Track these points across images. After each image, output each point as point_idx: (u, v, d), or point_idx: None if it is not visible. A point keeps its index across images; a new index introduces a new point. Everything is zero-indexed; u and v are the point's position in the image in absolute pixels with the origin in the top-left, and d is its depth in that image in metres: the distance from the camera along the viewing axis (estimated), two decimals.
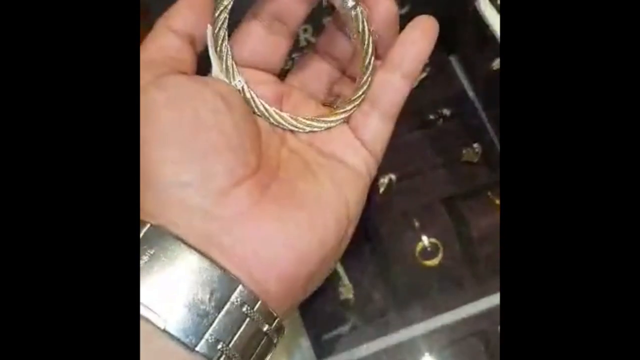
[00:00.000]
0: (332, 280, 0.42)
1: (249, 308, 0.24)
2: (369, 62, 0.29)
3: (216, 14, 0.27)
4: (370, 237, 0.43)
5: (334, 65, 0.31)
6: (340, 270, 0.42)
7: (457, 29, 0.44)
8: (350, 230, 0.29)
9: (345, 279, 0.42)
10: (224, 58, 0.27)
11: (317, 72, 0.32)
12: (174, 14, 0.27)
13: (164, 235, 0.23)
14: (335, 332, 0.41)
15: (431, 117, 0.47)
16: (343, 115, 0.29)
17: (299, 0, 0.28)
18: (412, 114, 0.46)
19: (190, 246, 0.23)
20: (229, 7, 0.27)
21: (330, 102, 0.31)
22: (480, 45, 0.44)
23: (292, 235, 0.25)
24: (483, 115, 0.46)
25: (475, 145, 0.45)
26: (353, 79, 0.30)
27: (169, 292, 0.23)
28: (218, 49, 0.27)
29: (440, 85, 0.47)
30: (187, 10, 0.27)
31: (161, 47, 0.27)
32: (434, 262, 0.42)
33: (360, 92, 0.29)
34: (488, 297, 0.42)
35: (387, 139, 0.30)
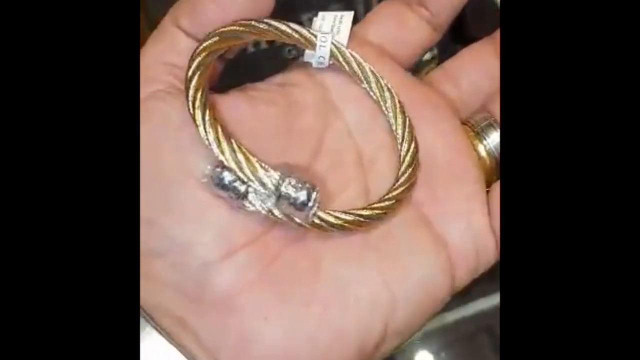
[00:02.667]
0: None
1: None
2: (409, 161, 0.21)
3: (193, 64, 0.20)
4: None
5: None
6: None
7: (467, 17, 0.43)
8: (385, 348, 0.20)
9: None
10: (205, 122, 0.19)
11: (481, 76, 0.24)
12: (185, 9, 0.21)
13: None
14: None
15: None
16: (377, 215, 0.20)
17: None
18: None
19: (156, 326, 0.19)
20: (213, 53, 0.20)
21: (474, 122, 0.23)
22: (488, 34, 0.42)
23: (281, 344, 0.19)
24: None
25: None
26: None
27: None
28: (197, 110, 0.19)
29: None
30: (207, 4, 0.20)
31: (164, 50, 0.20)
32: None
33: (396, 192, 0.21)
34: (497, 294, 0.41)
35: None
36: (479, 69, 0.24)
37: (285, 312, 0.19)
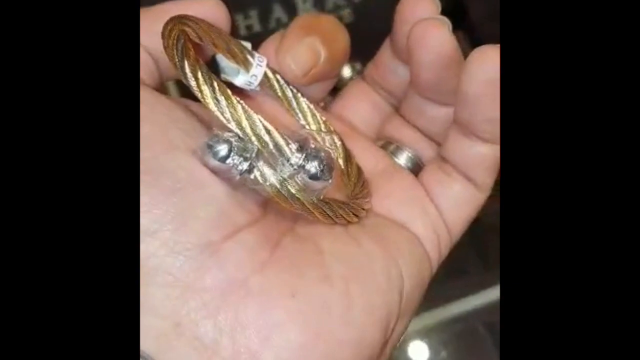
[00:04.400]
0: None
1: None
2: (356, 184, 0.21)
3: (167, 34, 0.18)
4: None
5: (385, 99, 0.24)
6: None
7: (467, 2, 0.42)
8: (399, 329, 0.19)
9: None
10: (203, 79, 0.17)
11: (367, 106, 0.24)
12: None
13: None
14: None
15: None
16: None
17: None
18: None
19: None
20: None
21: (382, 146, 0.24)
22: (490, 18, 0.42)
23: (315, 326, 0.16)
24: None
25: None
26: (405, 120, 0.23)
27: None
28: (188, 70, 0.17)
29: None
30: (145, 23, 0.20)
31: None
32: None
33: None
34: (495, 287, 0.41)
35: (470, 217, 0.22)
36: (362, 103, 0.24)
37: (310, 289, 0.17)
